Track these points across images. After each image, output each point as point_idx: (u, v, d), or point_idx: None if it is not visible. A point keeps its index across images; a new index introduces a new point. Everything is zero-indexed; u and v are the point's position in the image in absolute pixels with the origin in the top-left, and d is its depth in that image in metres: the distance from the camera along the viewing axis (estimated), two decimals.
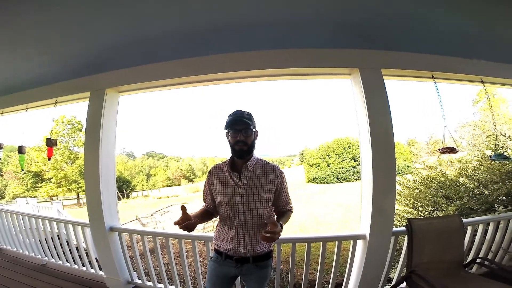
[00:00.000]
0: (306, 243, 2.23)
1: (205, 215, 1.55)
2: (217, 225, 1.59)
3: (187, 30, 1.94)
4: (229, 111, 1.50)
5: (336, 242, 2.23)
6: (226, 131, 1.47)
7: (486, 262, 2.29)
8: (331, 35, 2.02)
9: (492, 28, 2.01)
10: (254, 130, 1.48)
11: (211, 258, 1.57)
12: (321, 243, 2.24)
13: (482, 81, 2.39)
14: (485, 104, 16.90)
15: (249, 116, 1.46)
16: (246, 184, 1.45)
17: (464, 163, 3.85)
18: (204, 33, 1.99)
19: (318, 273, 2.29)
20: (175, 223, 1.28)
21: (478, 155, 3.65)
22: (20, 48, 2.12)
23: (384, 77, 2.13)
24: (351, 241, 2.24)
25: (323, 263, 2.25)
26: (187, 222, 1.26)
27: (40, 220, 3.31)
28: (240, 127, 1.42)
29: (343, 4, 1.70)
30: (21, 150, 3.01)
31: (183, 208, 1.32)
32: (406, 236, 2.18)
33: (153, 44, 2.12)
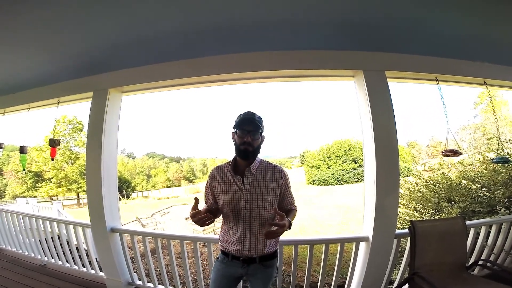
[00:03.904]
0: (308, 245, 2.23)
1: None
2: (222, 226, 1.58)
3: (190, 31, 1.94)
4: (229, 111, 1.49)
5: (339, 244, 2.22)
6: (234, 130, 1.45)
7: (489, 264, 2.28)
8: (335, 36, 2.02)
9: (496, 30, 2.01)
10: (262, 134, 1.47)
11: (217, 258, 1.57)
12: (324, 245, 2.23)
13: (485, 84, 2.39)
14: (486, 106, 16.91)
15: (259, 119, 1.45)
16: (249, 188, 1.43)
17: (466, 166, 3.84)
18: (207, 34, 1.98)
19: (320, 275, 2.28)
20: (193, 215, 1.30)
21: (479, 158, 3.64)
22: (22, 48, 2.11)
23: (388, 79, 2.13)
24: (354, 243, 2.23)
25: (325, 265, 2.24)
26: (204, 214, 1.29)
27: (40, 220, 3.30)
28: (249, 129, 1.41)
29: (347, 5, 1.69)
30: (22, 150, 3.01)
31: (197, 200, 1.35)
32: (409, 238, 2.18)
33: (156, 44, 2.12)
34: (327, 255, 2.23)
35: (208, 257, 2.34)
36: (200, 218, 1.28)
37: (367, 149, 2.20)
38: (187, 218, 12.22)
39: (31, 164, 22.39)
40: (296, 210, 1.61)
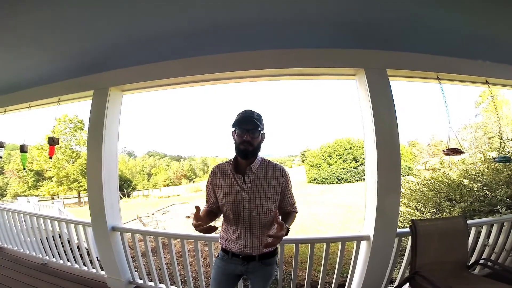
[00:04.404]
0: (309, 244, 2.22)
1: (211, 216, 1.53)
2: (222, 225, 1.58)
3: (191, 29, 1.93)
4: (229, 110, 1.48)
5: (340, 243, 2.22)
6: (233, 129, 1.44)
7: (490, 264, 2.28)
8: (336, 35, 2.00)
9: (498, 29, 1.99)
10: (261, 132, 1.45)
11: (218, 256, 1.58)
12: (325, 244, 2.23)
13: (487, 83, 2.38)
14: (487, 105, 16.88)
15: (258, 117, 1.43)
16: (250, 187, 1.43)
17: (467, 165, 3.83)
18: (208, 32, 1.97)
19: (321, 274, 2.27)
20: (196, 225, 1.27)
21: (481, 157, 3.63)
22: (23, 47, 2.11)
23: (389, 78, 2.12)
24: (355, 242, 2.23)
25: (326, 264, 2.24)
26: (207, 226, 1.27)
27: (41, 219, 3.31)
28: (248, 127, 1.39)
29: (348, 4, 1.68)
30: (23, 149, 3.00)
31: (198, 208, 1.33)
32: (410, 237, 2.17)
33: (157, 43, 2.11)
34: (328, 254, 2.22)
35: (208, 255, 2.34)
36: (203, 229, 1.26)
37: (368, 147, 2.19)
38: (187, 217, 12.26)
39: (32, 162, 22.43)
40: (296, 212, 1.59)
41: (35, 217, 3.38)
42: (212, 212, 1.56)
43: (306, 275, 2.27)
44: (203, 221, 1.30)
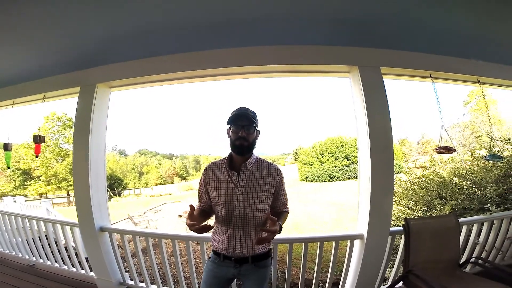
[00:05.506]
0: (303, 243, 2.21)
1: (204, 215, 1.51)
2: (214, 225, 1.54)
3: (183, 24, 1.87)
4: (222, 107, 1.46)
5: (334, 242, 2.21)
6: (228, 126, 1.44)
7: (480, 262, 2.31)
8: (330, 32, 1.98)
9: (490, 28, 2.00)
10: (256, 128, 1.45)
11: (209, 258, 1.54)
12: (318, 243, 2.21)
13: (478, 82, 2.39)
14: (475, 105, 17.26)
15: (253, 114, 1.44)
16: (244, 184, 1.41)
17: (455, 163, 3.88)
18: (201, 28, 1.92)
19: (315, 273, 2.26)
20: (190, 225, 1.23)
21: (470, 155, 3.67)
22: (6, 43, 2.02)
23: (383, 76, 2.11)
24: (348, 241, 2.22)
25: (320, 262, 2.23)
26: (202, 225, 1.24)
27: (27, 219, 3.21)
28: (243, 123, 1.40)
29: (343, 1, 1.66)
30: (7, 147, 2.89)
31: (192, 207, 1.29)
32: (403, 235, 2.18)
33: (147, 38, 2.04)
34: (321, 252, 2.21)
35: (201, 255, 2.30)
36: (198, 228, 1.23)
37: (361, 145, 2.17)
38: (179, 216, 12.15)
39: (19, 161, 21.85)
40: (288, 212, 1.59)
41: (19, 217, 3.27)
42: (205, 211, 1.54)
43: (300, 273, 2.26)
44: (197, 220, 1.27)
